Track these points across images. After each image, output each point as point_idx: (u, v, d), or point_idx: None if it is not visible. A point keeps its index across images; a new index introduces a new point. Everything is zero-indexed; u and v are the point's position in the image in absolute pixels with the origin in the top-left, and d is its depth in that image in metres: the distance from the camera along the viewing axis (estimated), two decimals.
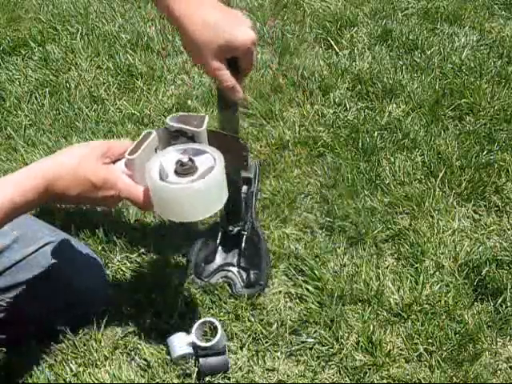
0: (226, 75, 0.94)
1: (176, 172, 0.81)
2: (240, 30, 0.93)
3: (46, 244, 1.17)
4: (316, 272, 1.37)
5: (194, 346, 1.18)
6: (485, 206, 1.57)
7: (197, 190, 0.77)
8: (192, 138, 0.87)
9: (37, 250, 1.15)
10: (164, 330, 1.27)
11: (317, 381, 1.22)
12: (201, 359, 1.18)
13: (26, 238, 1.16)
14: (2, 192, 0.84)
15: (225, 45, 0.91)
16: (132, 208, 1.55)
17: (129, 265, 1.41)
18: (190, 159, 0.81)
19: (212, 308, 1.32)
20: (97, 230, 1.47)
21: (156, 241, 1.45)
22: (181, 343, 1.19)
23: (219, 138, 0.90)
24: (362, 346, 1.25)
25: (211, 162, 0.82)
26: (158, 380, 1.21)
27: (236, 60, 0.93)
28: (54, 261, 1.15)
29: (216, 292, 1.34)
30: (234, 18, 0.95)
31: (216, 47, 0.91)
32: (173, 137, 0.87)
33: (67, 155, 0.90)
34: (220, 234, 1.36)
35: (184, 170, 0.80)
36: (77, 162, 0.87)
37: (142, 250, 1.43)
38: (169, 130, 0.87)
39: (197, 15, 0.92)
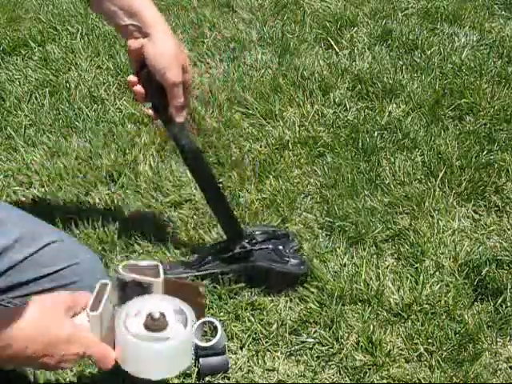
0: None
1: (146, 326, 0.77)
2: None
3: (47, 244, 1.17)
4: (316, 272, 1.37)
5: (194, 346, 1.18)
6: (485, 205, 1.57)
7: (169, 350, 0.74)
8: (147, 288, 0.83)
9: (38, 251, 1.15)
10: None
11: (317, 381, 1.22)
12: (201, 359, 1.18)
13: (27, 238, 1.15)
14: None
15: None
16: (131, 209, 1.55)
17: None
18: (162, 314, 0.77)
19: (212, 308, 1.32)
20: (97, 230, 1.47)
21: (156, 241, 1.45)
22: None
23: (175, 286, 0.86)
24: (361, 346, 1.25)
25: (182, 319, 0.79)
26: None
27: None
28: (54, 261, 1.15)
29: (216, 292, 1.34)
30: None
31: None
32: (127, 287, 0.83)
33: (29, 307, 0.82)
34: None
35: (155, 325, 0.76)
36: (40, 315, 0.81)
37: (142, 250, 1.43)
38: (122, 280, 0.83)
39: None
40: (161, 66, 1.09)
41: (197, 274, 1.31)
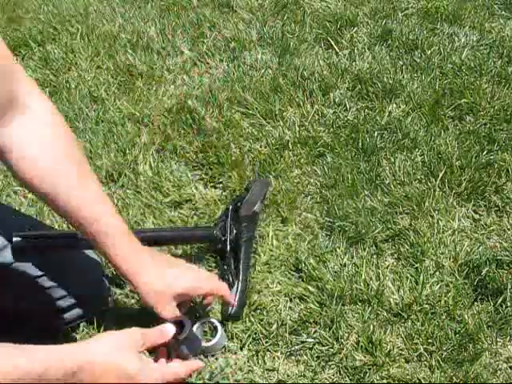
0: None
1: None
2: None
3: None
4: (316, 272, 1.37)
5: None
6: (485, 205, 1.57)
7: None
8: None
9: None
10: None
11: (317, 381, 1.22)
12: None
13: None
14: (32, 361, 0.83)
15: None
16: (131, 209, 1.55)
17: None
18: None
19: (212, 307, 1.32)
20: None
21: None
22: None
23: None
24: (361, 346, 1.25)
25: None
26: None
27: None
28: (54, 261, 1.15)
29: None
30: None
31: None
32: None
33: (99, 344, 0.88)
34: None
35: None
36: (109, 351, 0.86)
37: None
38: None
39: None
40: (150, 305, 1.06)
41: None
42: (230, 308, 1.25)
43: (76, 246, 1.15)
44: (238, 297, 1.26)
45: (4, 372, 0.78)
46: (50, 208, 1.03)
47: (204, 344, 1.17)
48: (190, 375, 1.04)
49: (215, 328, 1.20)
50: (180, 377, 0.96)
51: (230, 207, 1.44)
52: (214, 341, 1.17)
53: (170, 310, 1.06)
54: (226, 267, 1.32)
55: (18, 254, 1.06)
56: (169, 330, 1.00)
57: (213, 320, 1.21)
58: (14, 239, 1.04)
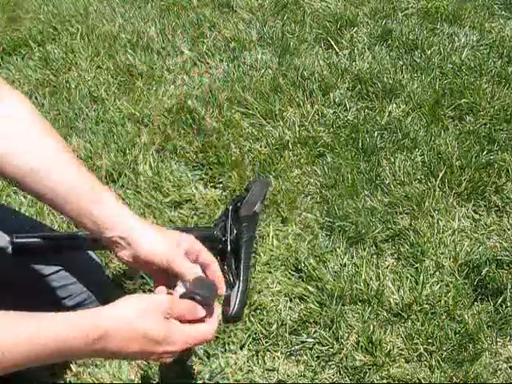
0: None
1: None
2: None
3: None
4: (316, 272, 1.37)
5: None
6: (485, 205, 1.57)
7: None
8: None
9: None
10: None
11: (317, 381, 1.22)
12: None
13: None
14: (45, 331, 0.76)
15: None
16: (131, 209, 1.55)
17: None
18: None
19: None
20: None
21: None
22: None
23: None
24: (361, 346, 1.25)
25: None
26: (158, 380, 1.21)
27: None
28: (53, 262, 1.15)
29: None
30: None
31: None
32: None
33: (126, 305, 0.82)
34: None
35: None
36: (135, 315, 0.81)
37: None
38: None
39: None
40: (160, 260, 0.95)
41: None
42: (231, 308, 1.25)
43: (77, 247, 1.14)
44: (238, 297, 1.26)
45: (11, 345, 0.71)
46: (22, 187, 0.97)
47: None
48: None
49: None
50: (208, 339, 0.89)
51: (230, 207, 1.44)
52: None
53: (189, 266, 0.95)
54: (226, 267, 1.32)
55: (19, 255, 1.06)
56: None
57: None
58: (15, 240, 1.04)
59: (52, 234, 1.14)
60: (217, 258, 1.37)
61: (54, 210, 1.02)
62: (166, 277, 0.95)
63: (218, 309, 0.94)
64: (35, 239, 1.06)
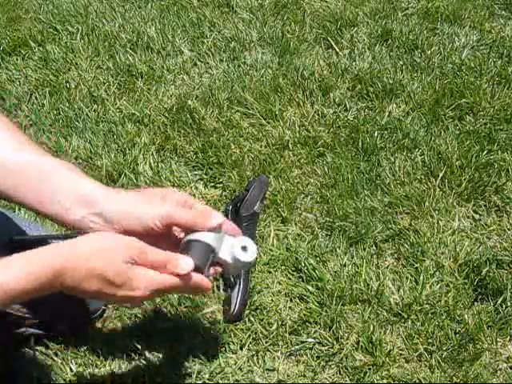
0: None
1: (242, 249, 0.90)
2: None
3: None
4: (316, 272, 1.38)
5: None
6: (485, 206, 1.57)
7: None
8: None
9: None
10: (164, 329, 1.27)
11: (317, 381, 1.22)
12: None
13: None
14: (12, 273, 0.73)
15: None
16: None
17: None
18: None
19: (212, 307, 1.32)
20: None
21: None
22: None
23: None
24: (361, 346, 1.25)
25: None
26: (158, 380, 1.21)
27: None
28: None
29: (216, 291, 1.34)
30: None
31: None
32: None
33: (86, 241, 0.78)
34: None
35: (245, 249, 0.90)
36: (91, 254, 0.76)
37: None
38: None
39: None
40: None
41: None
42: (232, 309, 1.25)
43: None
44: (239, 298, 1.26)
45: None
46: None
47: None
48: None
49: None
50: (175, 286, 0.81)
51: (230, 207, 1.44)
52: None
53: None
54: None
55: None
56: (186, 261, 0.81)
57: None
58: (14, 243, 1.04)
59: (49, 234, 1.14)
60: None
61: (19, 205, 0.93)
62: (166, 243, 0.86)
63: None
64: (34, 242, 1.06)
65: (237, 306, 1.25)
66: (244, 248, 0.89)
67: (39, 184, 0.85)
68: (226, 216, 1.39)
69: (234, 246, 0.89)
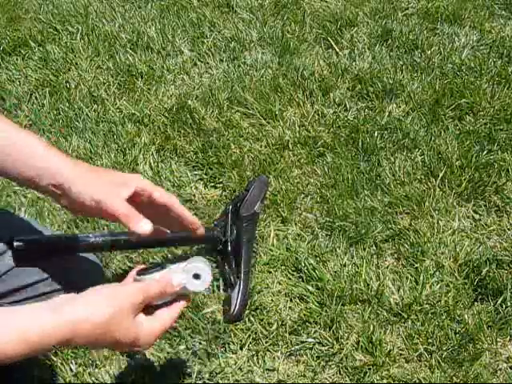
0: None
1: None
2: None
3: None
4: (316, 272, 1.38)
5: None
6: (485, 205, 1.57)
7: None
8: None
9: None
10: None
11: (317, 381, 1.22)
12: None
13: None
14: (24, 325, 0.76)
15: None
16: None
17: (129, 264, 1.41)
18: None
19: (212, 307, 1.32)
20: (97, 230, 1.47)
21: None
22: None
23: None
24: (361, 346, 1.25)
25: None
26: (158, 380, 1.21)
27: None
28: (53, 263, 1.15)
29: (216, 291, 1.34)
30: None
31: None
32: None
33: (97, 305, 0.81)
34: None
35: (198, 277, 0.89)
36: (107, 319, 0.80)
37: (142, 250, 1.43)
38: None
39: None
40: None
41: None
42: (232, 309, 1.24)
43: (76, 248, 1.14)
44: (239, 298, 1.26)
45: None
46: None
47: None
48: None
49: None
50: (170, 327, 0.89)
51: (230, 207, 1.44)
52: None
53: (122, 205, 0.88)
54: (227, 268, 1.32)
55: (19, 258, 1.05)
56: (176, 279, 0.87)
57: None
58: (15, 244, 1.03)
59: (52, 236, 1.14)
60: (217, 258, 1.37)
61: None
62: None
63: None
64: (35, 242, 1.06)
65: (237, 306, 1.25)
66: (196, 276, 0.88)
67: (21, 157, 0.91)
68: (226, 216, 1.38)
69: (187, 273, 0.88)
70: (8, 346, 0.75)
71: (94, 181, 0.90)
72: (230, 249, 1.32)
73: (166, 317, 0.87)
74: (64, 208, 0.92)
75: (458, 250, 1.44)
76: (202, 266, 0.89)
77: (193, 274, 0.88)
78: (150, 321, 0.85)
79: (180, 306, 0.89)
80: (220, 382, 1.21)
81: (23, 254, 1.04)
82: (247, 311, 1.31)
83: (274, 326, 1.29)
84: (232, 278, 1.29)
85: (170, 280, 0.87)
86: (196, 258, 0.91)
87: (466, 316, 1.30)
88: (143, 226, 0.87)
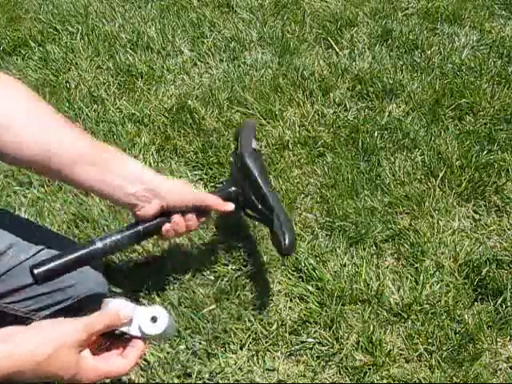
0: None
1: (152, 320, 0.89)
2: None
3: (42, 249, 1.16)
4: (316, 272, 1.38)
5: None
6: (485, 206, 1.57)
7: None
8: None
9: (33, 256, 1.14)
10: None
11: (317, 381, 1.22)
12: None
13: (22, 243, 1.14)
14: None
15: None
16: None
17: (129, 264, 1.41)
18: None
19: (214, 309, 1.32)
20: (97, 230, 1.47)
21: (155, 241, 1.45)
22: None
23: None
24: (361, 346, 1.25)
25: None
26: (157, 380, 1.21)
27: None
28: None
29: (217, 293, 1.34)
30: None
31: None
32: None
33: (42, 343, 0.82)
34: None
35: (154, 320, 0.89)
36: (49, 355, 0.81)
37: (142, 250, 1.44)
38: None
39: None
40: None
41: None
42: (282, 245, 1.16)
43: (93, 259, 1.13)
44: (284, 232, 1.16)
45: None
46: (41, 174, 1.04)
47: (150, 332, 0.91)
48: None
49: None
50: (122, 374, 0.90)
51: (232, 160, 1.37)
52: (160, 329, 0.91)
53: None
54: (256, 213, 1.24)
55: (41, 280, 1.05)
56: (124, 312, 0.89)
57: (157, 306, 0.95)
58: (35, 272, 1.03)
59: (68, 252, 1.11)
60: (245, 212, 1.28)
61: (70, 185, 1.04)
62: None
63: (139, 346, 0.89)
64: (54, 263, 1.04)
65: (286, 241, 1.15)
66: (153, 319, 0.88)
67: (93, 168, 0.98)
68: (232, 169, 1.31)
69: (144, 314, 0.88)
70: None
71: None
72: (251, 194, 1.22)
73: (116, 362, 0.89)
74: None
75: (457, 249, 1.44)
76: (161, 311, 0.89)
77: (150, 316, 0.88)
78: (96, 360, 0.87)
79: (136, 354, 0.89)
80: (220, 382, 1.21)
81: (44, 278, 1.04)
82: (247, 311, 1.31)
83: (274, 326, 1.29)
84: (264, 216, 1.20)
85: (117, 313, 0.88)
86: (158, 307, 0.91)
87: (466, 316, 1.30)
88: (230, 205, 1.13)
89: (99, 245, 1.04)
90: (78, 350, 0.84)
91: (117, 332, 0.88)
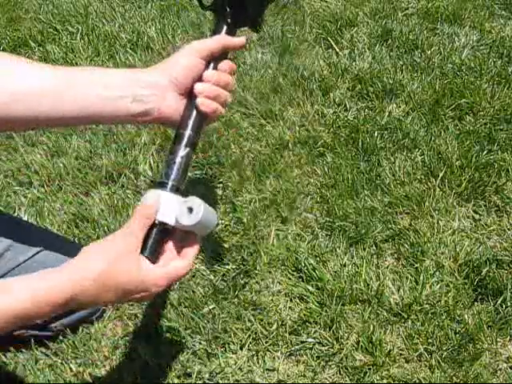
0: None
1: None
2: None
3: (40, 251, 1.16)
4: (316, 272, 1.37)
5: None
6: (485, 205, 1.57)
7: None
8: None
9: (31, 257, 1.14)
10: (164, 329, 1.27)
11: (317, 381, 1.22)
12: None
13: (19, 245, 1.14)
14: (15, 297, 0.75)
15: None
16: (131, 209, 1.55)
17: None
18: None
19: (214, 308, 1.32)
20: (97, 230, 1.47)
21: None
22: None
23: None
24: (361, 346, 1.25)
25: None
26: (158, 380, 1.21)
27: None
28: (48, 267, 1.14)
29: (216, 291, 1.34)
30: None
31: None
32: None
33: (94, 259, 0.80)
34: None
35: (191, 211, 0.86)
36: (106, 268, 0.78)
37: None
38: None
39: None
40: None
41: None
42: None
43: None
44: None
45: None
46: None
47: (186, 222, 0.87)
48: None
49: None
50: (181, 276, 0.86)
51: None
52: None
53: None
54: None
55: None
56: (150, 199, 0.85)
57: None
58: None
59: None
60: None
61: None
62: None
63: (196, 245, 0.87)
64: None
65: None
66: (190, 209, 0.84)
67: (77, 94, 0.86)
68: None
69: (180, 204, 0.85)
70: (19, 304, 0.74)
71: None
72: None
73: (176, 264, 0.85)
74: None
75: (458, 249, 1.44)
76: (197, 201, 0.86)
77: (186, 206, 0.84)
78: (157, 266, 0.84)
79: (192, 253, 0.87)
80: (220, 382, 1.21)
81: None
82: (247, 311, 1.31)
83: (274, 326, 1.29)
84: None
85: (152, 205, 0.84)
86: (195, 198, 0.87)
87: (466, 316, 1.30)
88: (241, 39, 0.97)
89: None
90: (137, 256, 0.81)
91: (156, 222, 0.84)
